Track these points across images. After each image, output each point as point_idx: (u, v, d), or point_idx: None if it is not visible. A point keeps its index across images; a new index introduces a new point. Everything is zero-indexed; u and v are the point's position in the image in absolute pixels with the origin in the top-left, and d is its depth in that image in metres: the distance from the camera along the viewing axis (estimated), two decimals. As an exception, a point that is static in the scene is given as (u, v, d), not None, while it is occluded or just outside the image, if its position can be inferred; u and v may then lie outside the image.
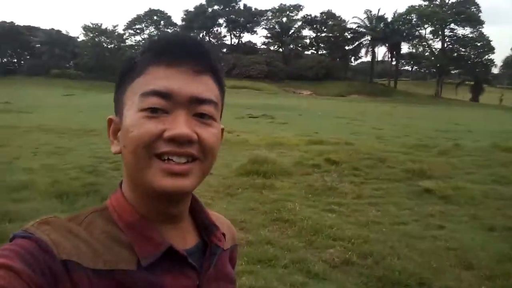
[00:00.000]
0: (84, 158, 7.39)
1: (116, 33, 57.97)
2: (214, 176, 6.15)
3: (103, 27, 55.81)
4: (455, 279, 3.11)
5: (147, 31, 61.80)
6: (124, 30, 60.79)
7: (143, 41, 61.88)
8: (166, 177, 0.53)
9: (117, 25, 61.11)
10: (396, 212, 4.83)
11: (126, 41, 60.34)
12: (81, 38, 56.14)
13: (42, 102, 23.54)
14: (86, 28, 55.32)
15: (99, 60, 51.68)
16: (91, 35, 55.14)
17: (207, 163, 0.57)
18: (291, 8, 58.48)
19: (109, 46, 56.19)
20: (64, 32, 56.67)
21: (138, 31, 61.52)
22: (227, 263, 0.69)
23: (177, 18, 62.15)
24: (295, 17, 58.78)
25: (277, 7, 59.11)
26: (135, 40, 61.62)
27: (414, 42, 53.43)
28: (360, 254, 3.52)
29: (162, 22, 61.69)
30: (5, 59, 54.78)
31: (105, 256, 0.53)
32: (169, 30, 62.30)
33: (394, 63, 55.80)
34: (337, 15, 58.19)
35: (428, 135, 13.12)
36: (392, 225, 4.37)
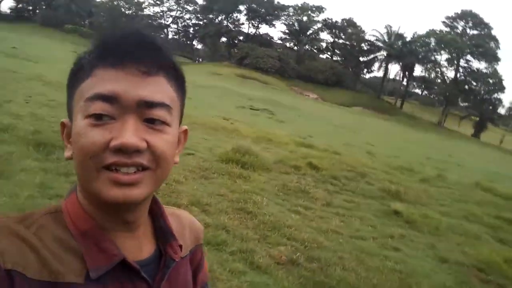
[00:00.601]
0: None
1: (135, 0, 57.68)
2: (194, 157, 6.24)
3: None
4: (390, 299, 3.21)
5: (167, 4, 61.40)
6: (144, -2, 60.41)
7: (160, 13, 61.69)
8: (114, 187, 0.51)
9: (139, -9, 60.69)
10: (358, 226, 4.93)
11: (145, 10, 60.15)
12: (100, -2, 55.91)
13: (49, 54, 23.46)
14: (105, -11, 55.05)
15: (114, 24, 51.33)
16: (111, -3, 54.92)
17: (160, 172, 0.54)
18: (313, 9, 58.08)
19: (126, 12, 55.93)
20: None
21: (158, 2, 61.07)
22: (187, 271, 0.67)
23: (199, -5, 60.99)
24: (315, 18, 58.47)
25: (300, 5, 58.73)
26: (153, 11, 61.43)
27: (428, 66, 53.31)
28: (308, 258, 3.62)
29: (183, -3, 61.15)
30: (20, 5, 54.27)
31: (53, 266, 0.50)
32: (188, 7, 62.01)
33: (405, 83, 55.80)
34: (357, 24, 57.99)
35: (418, 160, 13.21)
36: (350, 238, 4.47)
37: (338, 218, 5.03)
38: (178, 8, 62.10)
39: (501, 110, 53.46)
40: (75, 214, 0.56)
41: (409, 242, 4.83)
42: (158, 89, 0.54)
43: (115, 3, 54.79)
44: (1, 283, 0.46)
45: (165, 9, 61.76)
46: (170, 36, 60.64)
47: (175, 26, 63.26)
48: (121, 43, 0.53)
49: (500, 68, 74.53)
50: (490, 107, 49.87)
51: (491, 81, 49.54)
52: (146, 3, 60.61)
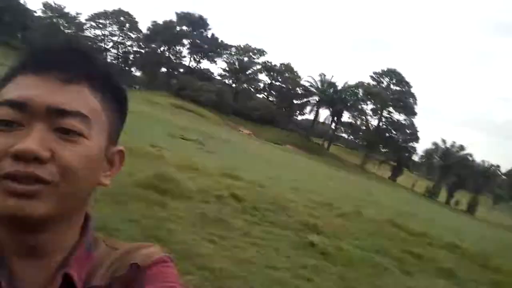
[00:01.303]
0: None
1: (77, 20, 55.69)
2: (111, 181, 5.86)
3: (66, 10, 53.53)
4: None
5: (109, 28, 60.14)
6: (86, 20, 58.67)
7: (102, 36, 59.92)
8: (10, 197, 0.45)
9: (80, 13, 58.91)
10: (273, 257, 4.92)
11: (86, 31, 58.05)
12: (39, 14, 53.07)
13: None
14: (46, 6, 52.71)
15: (50, 40, 48.62)
16: (50, 14, 52.35)
17: (66, 187, 0.48)
18: (255, 51, 60.70)
19: (66, 31, 53.53)
20: (21, 1, 53.12)
21: (100, 25, 59.58)
22: None
23: (144, 26, 60.83)
24: (256, 60, 60.97)
25: (242, 46, 61.02)
26: (94, 34, 59.53)
27: (355, 113, 57.85)
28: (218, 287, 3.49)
29: (127, 25, 60.39)
30: None
31: None
32: (132, 35, 61.21)
33: (333, 127, 59.56)
34: (294, 69, 61.45)
35: (339, 197, 13.86)
36: (263, 268, 4.42)
37: (254, 248, 4.97)
38: (121, 34, 60.96)
39: (415, 157, 59.15)
40: None
41: (322, 272, 4.91)
42: (75, 97, 0.50)
43: (54, 20, 52.10)
44: None
45: (107, 33, 60.25)
46: (108, 61, 58.73)
47: (115, 51, 61.71)
48: (46, 50, 0.52)
49: (416, 120, 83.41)
50: (406, 154, 55.02)
51: (408, 131, 55.12)
52: (88, 25, 58.84)
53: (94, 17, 59.10)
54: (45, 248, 0.51)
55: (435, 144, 56.08)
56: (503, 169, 53.53)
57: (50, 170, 0.47)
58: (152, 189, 6.02)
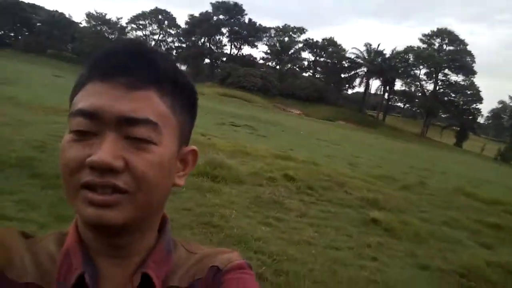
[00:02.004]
0: (38, 134, 7.09)
1: (119, 25, 58.15)
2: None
3: (107, 17, 55.99)
4: (363, 311, 2.94)
5: (150, 28, 62.20)
6: (127, 23, 61.05)
7: (143, 37, 62.12)
8: (89, 207, 0.48)
9: (121, 18, 61.58)
10: (333, 237, 4.66)
11: (128, 34, 60.52)
12: (83, 24, 56.12)
13: (27, 77, 23.01)
14: (89, 16, 55.45)
15: (98, 48, 51.23)
16: (94, 23, 55.15)
17: (142, 196, 0.49)
18: (295, 30, 59.16)
19: (110, 37, 56.20)
20: (66, 15, 56.56)
21: (141, 26, 61.74)
22: None
23: (182, 21, 62.10)
24: (297, 39, 59.48)
25: (281, 27, 59.78)
26: (136, 35, 61.76)
27: (408, 80, 54.45)
28: (276, 272, 3.33)
29: (166, 22, 61.89)
30: (1, 32, 53.85)
31: (34, 274, 0.51)
32: (171, 31, 62.66)
33: (386, 97, 56.70)
34: (338, 43, 59.12)
35: (400, 169, 13.12)
36: (324, 248, 4.20)
37: (312, 229, 4.76)
38: (161, 32, 62.67)
39: (481, 120, 54.68)
40: (69, 233, 0.55)
41: (388, 250, 4.58)
42: (143, 104, 0.49)
43: (98, 28, 54.88)
44: None
45: (148, 33, 62.33)
46: (175, 62, 61.10)
47: (158, 49, 63.63)
48: (112, 55, 0.51)
49: (477, 80, 76.88)
50: (470, 117, 50.96)
51: (469, 92, 50.82)
52: (129, 28, 61.18)
53: (134, 20, 61.33)
54: (126, 249, 0.54)
55: (502, 102, 51.52)
56: None
57: (125, 180, 0.48)
58: (204, 176, 6.00)
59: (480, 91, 50.78)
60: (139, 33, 61.83)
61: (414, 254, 4.59)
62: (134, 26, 61.48)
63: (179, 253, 0.59)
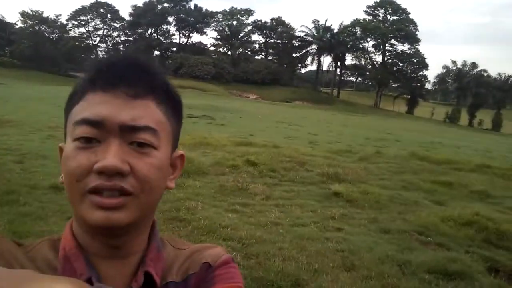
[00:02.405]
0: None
1: (58, 23, 54.47)
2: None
3: (44, 15, 52.21)
4: (332, 280, 3.08)
5: (92, 23, 58.91)
6: (67, 20, 57.36)
7: (87, 33, 59.01)
8: (97, 211, 0.50)
9: (60, 15, 57.42)
10: (299, 214, 4.82)
11: (69, 32, 57.05)
12: (19, 25, 52.06)
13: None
14: (24, 15, 51.26)
15: (38, 50, 48.13)
16: (30, 22, 51.25)
17: (144, 197, 0.52)
18: (242, 12, 58.71)
19: (50, 36, 52.66)
20: (-1, 16, 52.14)
21: (82, 22, 58.30)
22: None
23: (125, 12, 59.34)
24: (245, 21, 59.10)
25: (228, 10, 59.08)
26: (78, 32, 58.60)
27: (358, 54, 56.03)
28: (246, 255, 3.41)
29: (108, 15, 58.97)
30: None
31: None
32: (115, 24, 59.98)
33: (338, 73, 58.11)
34: (286, 22, 59.42)
35: (358, 142, 13.63)
36: (290, 227, 4.33)
37: (277, 210, 4.88)
38: (105, 27, 59.71)
39: (428, 86, 57.55)
40: (65, 239, 0.57)
41: (351, 220, 4.80)
42: (144, 112, 0.53)
43: (36, 28, 51.01)
44: None
45: (91, 29, 59.15)
46: (100, 56, 58.08)
47: (104, 45, 60.72)
48: (112, 66, 0.54)
49: (421, 48, 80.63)
50: (418, 85, 53.51)
51: (415, 60, 53.19)
52: (70, 25, 57.65)
53: (74, 16, 57.70)
54: (124, 250, 0.56)
55: (445, 67, 54.38)
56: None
57: (131, 182, 0.51)
58: (165, 172, 5.93)
59: (426, 58, 53.39)
60: (82, 29, 58.62)
61: (376, 220, 4.84)
62: (75, 22, 57.92)
63: (167, 250, 0.62)
